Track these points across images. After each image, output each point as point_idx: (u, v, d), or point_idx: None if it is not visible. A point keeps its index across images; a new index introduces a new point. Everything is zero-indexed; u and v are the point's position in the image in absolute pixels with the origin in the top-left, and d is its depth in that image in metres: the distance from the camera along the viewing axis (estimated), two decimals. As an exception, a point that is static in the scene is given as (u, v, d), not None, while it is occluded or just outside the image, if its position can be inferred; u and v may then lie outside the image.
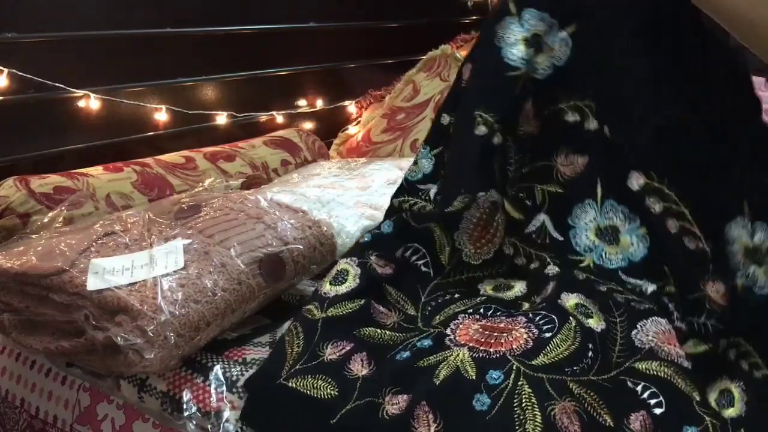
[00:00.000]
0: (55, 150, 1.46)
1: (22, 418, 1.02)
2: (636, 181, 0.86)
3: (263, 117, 1.87)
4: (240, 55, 1.80)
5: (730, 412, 0.71)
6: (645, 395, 0.73)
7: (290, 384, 0.78)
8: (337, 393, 0.76)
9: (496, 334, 0.81)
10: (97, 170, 1.37)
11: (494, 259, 0.96)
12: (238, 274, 0.93)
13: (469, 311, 0.88)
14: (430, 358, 0.78)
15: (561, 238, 0.94)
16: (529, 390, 0.71)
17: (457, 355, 0.77)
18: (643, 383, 0.74)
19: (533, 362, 0.75)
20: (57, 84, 1.40)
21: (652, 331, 0.81)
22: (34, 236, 1.03)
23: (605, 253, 0.91)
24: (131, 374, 0.90)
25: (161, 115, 1.62)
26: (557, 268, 0.93)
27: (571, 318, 0.81)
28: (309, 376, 0.79)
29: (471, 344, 0.79)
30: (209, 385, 0.85)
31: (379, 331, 0.86)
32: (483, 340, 0.80)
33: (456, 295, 0.92)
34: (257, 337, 0.97)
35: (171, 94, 1.65)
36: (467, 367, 0.75)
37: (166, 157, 1.52)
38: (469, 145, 0.96)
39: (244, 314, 0.96)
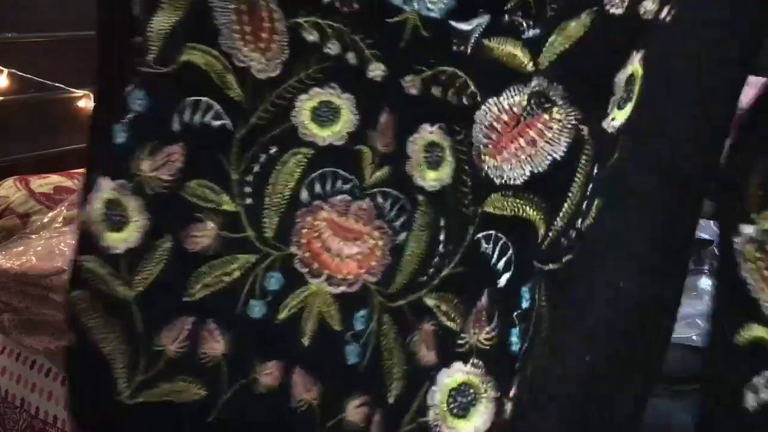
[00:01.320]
0: (55, 150, 1.46)
1: (22, 418, 1.02)
2: None
3: (263, 117, 1.87)
4: (240, 55, 1.80)
5: (621, 114, 0.63)
6: (494, 259, 0.68)
7: (142, 399, 0.65)
8: (205, 392, 0.66)
9: (348, 243, 0.70)
10: (97, 170, 1.37)
11: (295, 58, 0.66)
12: (238, 274, 0.93)
13: (303, 197, 0.66)
14: (288, 302, 0.68)
15: None
16: (393, 327, 0.67)
17: (316, 293, 0.68)
18: (494, 241, 0.69)
19: (390, 289, 0.69)
20: (57, 84, 1.40)
21: (484, 131, 0.67)
22: (34, 236, 1.03)
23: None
24: (131, 374, 0.89)
25: (161, 115, 1.62)
26: (382, 67, 0.65)
27: (420, 197, 0.69)
28: (163, 383, 0.65)
29: (326, 271, 0.68)
30: (209, 385, 0.85)
31: (207, 268, 0.65)
32: (336, 253, 0.69)
33: (272, 150, 0.65)
34: (257, 337, 0.96)
35: (171, 94, 1.65)
36: (332, 312, 0.68)
37: (166, 157, 1.52)
38: None
39: (244, 314, 0.95)
